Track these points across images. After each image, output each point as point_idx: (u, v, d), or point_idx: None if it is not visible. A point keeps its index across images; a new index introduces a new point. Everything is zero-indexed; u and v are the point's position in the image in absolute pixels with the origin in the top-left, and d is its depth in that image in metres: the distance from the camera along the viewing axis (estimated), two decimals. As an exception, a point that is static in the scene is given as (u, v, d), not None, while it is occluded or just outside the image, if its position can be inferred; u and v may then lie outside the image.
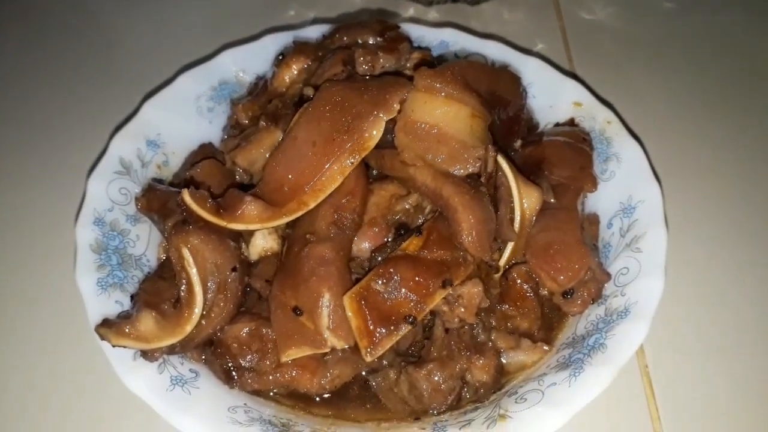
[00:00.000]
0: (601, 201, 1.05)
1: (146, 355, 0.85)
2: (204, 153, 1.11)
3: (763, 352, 1.02)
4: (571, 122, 1.15)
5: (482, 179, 0.89)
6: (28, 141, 1.28)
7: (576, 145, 1.07)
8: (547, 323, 0.97)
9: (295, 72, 1.07)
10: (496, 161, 0.89)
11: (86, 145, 1.22)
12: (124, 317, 0.86)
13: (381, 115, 0.89)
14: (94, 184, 1.01)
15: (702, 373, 1.00)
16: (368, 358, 0.81)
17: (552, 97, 1.16)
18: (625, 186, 1.04)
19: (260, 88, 1.13)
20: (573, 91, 1.16)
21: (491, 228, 0.85)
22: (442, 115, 0.89)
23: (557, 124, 1.16)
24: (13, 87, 1.37)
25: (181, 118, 1.13)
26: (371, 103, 0.90)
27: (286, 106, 1.04)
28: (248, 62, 1.20)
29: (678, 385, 0.98)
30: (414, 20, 1.42)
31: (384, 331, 0.82)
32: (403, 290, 0.83)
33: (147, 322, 0.83)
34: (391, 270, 0.84)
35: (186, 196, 0.84)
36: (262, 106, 1.09)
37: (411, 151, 0.89)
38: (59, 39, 1.46)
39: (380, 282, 0.83)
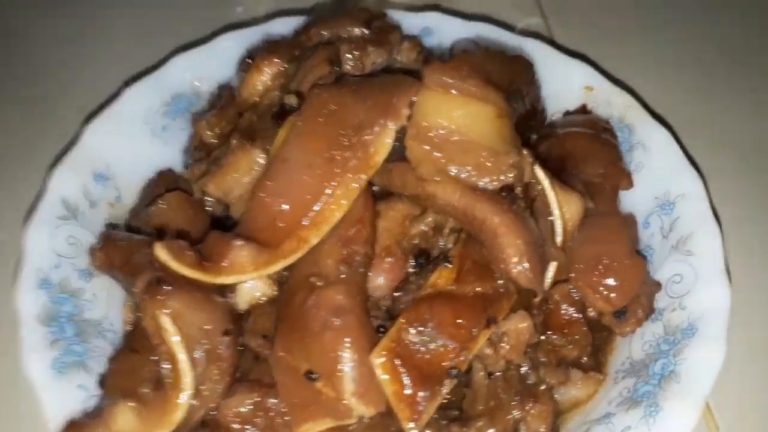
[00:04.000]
0: (632, 197, 0.92)
1: (127, 454, 0.67)
2: (165, 182, 0.92)
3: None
4: (583, 109, 1.02)
5: (518, 191, 0.74)
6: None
7: (599, 136, 0.94)
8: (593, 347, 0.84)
9: (268, 77, 0.90)
10: (532, 168, 0.75)
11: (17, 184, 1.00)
12: (94, 413, 0.67)
13: (389, 123, 0.74)
14: (33, 237, 0.81)
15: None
16: (413, 431, 0.66)
17: (558, 83, 1.02)
18: (659, 178, 0.92)
19: (225, 100, 0.95)
20: (582, 74, 1.03)
21: (542, 252, 0.71)
22: (463, 118, 0.73)
23: (567, 113, 1.02)
24: None
25: (130, 143, 0.95)
26: (375, 110, 0.75)
27: (262, 119, 0.86)
28: (204, 68, 1.02)
29: (745, 416, 0.85)
30: (383, 3, 1.25)
31: (427, 393, 0.67)
32: (442, 337, 0.69)
33: (125, 417, 0.65)
34: (426, 315, 0.69)
35: (160, 251, 0.66)
36: (230, 120, 0.91)
37: (429, 164, 0.73)
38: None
39: (413, 331, 0.68)
